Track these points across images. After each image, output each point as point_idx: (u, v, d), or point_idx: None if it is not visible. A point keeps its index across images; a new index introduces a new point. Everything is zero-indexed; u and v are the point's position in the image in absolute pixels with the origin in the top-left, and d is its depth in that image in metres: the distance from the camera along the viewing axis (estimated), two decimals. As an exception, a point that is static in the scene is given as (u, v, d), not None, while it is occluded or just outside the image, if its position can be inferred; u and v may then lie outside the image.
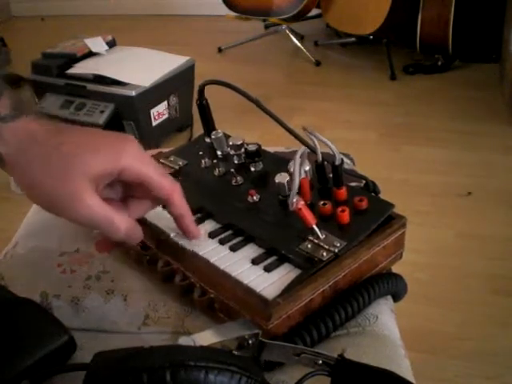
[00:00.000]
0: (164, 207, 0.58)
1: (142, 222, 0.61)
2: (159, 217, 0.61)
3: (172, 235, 0.59)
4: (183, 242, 0.58)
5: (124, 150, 0.52)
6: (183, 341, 0.44)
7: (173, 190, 0.54)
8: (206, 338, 0.45)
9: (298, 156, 0.56)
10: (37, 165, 0.50)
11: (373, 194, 0.65)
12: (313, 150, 0.60)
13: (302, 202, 0.54)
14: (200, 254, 0.57)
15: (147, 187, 0.53)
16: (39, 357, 0.48)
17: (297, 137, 0.64)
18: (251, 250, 0.57)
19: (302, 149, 0.57)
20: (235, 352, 0.46)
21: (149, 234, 0.60)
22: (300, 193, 0.58)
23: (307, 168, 0.60)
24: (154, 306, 0.58)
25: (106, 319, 0.58)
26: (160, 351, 0.39)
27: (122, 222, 0.52)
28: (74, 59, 2.19)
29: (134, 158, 0.52)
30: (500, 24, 2.51)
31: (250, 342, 0.47)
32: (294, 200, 0.54)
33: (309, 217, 0.55)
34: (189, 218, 0.57)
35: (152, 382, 0.37)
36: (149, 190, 0.53)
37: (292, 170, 0.57)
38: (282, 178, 0.59)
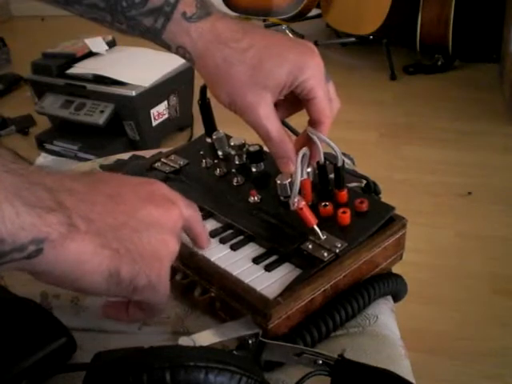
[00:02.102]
0: None
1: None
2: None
3: None
4: (184, 239, 0.58)
5: (307, 64, 0.53)
6: (183, 341, 0.44)
7: (328, 117, 0.56)
8: (206, 338, 0.45)
9: (299, 157, 0.56)
10: (221, 68, 0.52)
11: (373, 194, 0.65)
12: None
13: (304, 202, 0.54)
14: (200, 252, 0.57)
15: (309, 104, 0.55)
16: (39, 357, 0.48)
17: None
18: (252, 250, 0.57)
19: (303, 150, 0.57)
20: (235, 352, 0.46)
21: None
22: (302, 194, 0.58)
23: (309, 169, 0.60)
24: (154, 306, 0.58)
25: (106, 319, 0.57)
26: (160, 351, 0.39)
27: (276, 139, 0.55)
28: (73, 59, 2.20)
29: (313, 74, 0.53)
30: (500, 24, 2.51)
31: (250, 341, 0.47)
32: (296, 200, 0.54)
33: (310, 217, 0.55)
34: (325, 131, 0.57)
35: (152, 382, 0.37)
36: (308, 105, 0.55)
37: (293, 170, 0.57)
38: (283, 178, 0.59)
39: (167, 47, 0.56)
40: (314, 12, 2.96)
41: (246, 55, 0.52)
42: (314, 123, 0.57)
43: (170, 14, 0.53)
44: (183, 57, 0.56)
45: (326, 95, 0.55)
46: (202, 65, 0.54)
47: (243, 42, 0.53)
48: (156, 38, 0.55)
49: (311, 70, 0.53)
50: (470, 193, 1.88)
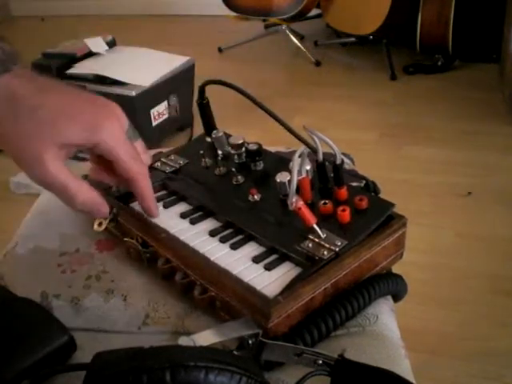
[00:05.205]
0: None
1: (142, 219, 0.61)
2: (160, 215, 0.61)
3: (172, 231, 0.59)
4: (184, 238, 0.58)
5: (102, 126, 0.52)
6: (183, 341, 0.44)
7: (138, 173, 0.55)
8: (206, 338, 0.45)
9: (296, 156, 0.56)
10: (9, 123, 0.50)
11: (373, 193, 0.65)
12: (313, 150, 0.60)
13: (302, 202, 0.54)
14: (201, 251, 0.57)
15: (114, 165, 0.54)
16: (39, 357, 0.48)
17: (297, 136, 0.64)
18: (252, 249, 0.57)
19: (301, 149, 0.57)
20: (235, 352, 0.46)
21: (149, 232, 0.60)
22: (301, 192, 0.58)
23: (308, 167, 0.60)
24: (154, 306, 0.58)
25: (106, 319, 0.58)
26: (160, 351, 0.39)
27: (79, 192, 0.51)
28: (74, 59, 2.19)
29: (109, 136, 0.52)
30: (500, 24, 2.51)
31: (251, 341, 0.47)
32: (294, 200, 0.54)
33: (308, 216, 0.55)
34: (150, 199, 0.58)
35: (152, 382, 0.37)
36: (114, 166, 0.54)
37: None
38: (282, 177, 0.59)
39: None
40: (314, 12, 2.96)
41: (36, 113, 0.51)
42: (127, 182, 0.56)
43: None
44: None
45: (128, 154, 0.54)
46: None
47: (35, 100, 0.52)
48: None
49: (106, 132, 0.52)
50: (470, 193, 1.88)
